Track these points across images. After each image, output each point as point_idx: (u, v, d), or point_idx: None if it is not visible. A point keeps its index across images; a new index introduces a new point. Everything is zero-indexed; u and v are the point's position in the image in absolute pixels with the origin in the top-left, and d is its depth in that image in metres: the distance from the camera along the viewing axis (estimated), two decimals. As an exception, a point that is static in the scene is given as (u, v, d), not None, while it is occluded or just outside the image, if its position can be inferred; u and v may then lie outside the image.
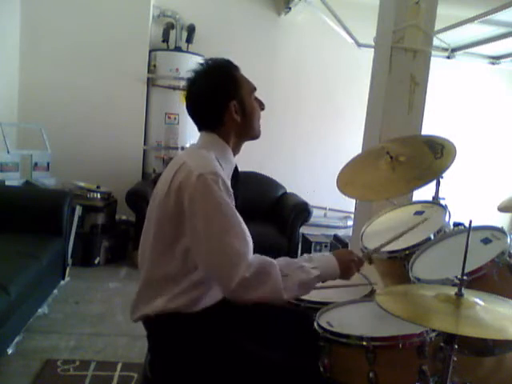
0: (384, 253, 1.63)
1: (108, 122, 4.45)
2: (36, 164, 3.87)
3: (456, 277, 1.12)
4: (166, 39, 4.50)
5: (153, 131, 4.54)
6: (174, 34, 4.53)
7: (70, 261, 3.38)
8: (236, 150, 1.48)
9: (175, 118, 4.43)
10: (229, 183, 1.40)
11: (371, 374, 1.21)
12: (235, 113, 1.40)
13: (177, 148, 4.47)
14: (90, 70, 4.38)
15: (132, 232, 4.17)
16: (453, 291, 1.11)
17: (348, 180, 1.90)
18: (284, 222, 4.08)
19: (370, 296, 1.60)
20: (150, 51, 4.47)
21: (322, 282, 1.36)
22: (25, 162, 3.80)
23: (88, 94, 4.40)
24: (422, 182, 1.68)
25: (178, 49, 4.50)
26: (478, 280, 1.30)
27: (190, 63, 4.39)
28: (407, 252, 1.57)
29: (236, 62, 1.47)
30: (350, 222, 4.97)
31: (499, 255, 1.34)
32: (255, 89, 1.48)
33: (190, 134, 4.48)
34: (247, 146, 1.52)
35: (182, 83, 4.37)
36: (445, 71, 4.66)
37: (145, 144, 4.56)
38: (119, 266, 3.95)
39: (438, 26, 2.80)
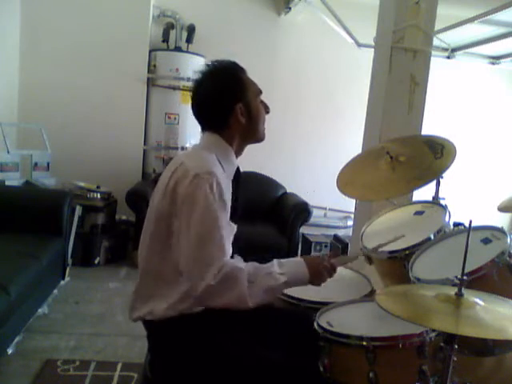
0: (384, 253, 1.64)
1: (108, 122, 4.45)
2: (36, 164, 3.87)
3: (456, 277, 1.12)
4: (166, 39, 4.50)
5: (153, 131, 4.54)
6: (174, 34, 4.53)
7: (69, 261, 3.38)
8: (239, 152, 1.49)
9: (175, 118, 4.43)
10: (229, 184, 1.41)
11: (371, 374, 1.21)
12: (241, 115, 1.41)
13: (177, 148, 4.46)
14: (90, 70, 4.38)
15: (132, 232, 4.17)
16: (453, 291, 1.11)
17: (348, 180, 1.90)
18: (284, 222, 4.08)
19: (369, 296, 1.60)
20: (150, 51, 4.47)
21: (291, 287, 1.36)
22: (25, 162, 3.80)
23: (88, 94, 4.40)
24: (422, 181, 1.68)
25: (177, 49, 4.50)
26: (478, 280, 1.30)
27: (190, 63, 4.41)
28: (407, 252, 1.57)
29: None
30: (350, 222, 4.97)
31: (499, 255, 1.34)
32: (261, 92, 1.49)
33: (190, 134, 4.48)
34: (247, 146, 1.52)
35: (182, 83, 4.38)
36: (445, 71, 4.66)
37: (145, 144, 4.56)
38: (119, 266, 3.95)
39: (438, 26, 2.80)
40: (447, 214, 1.69)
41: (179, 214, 1.29)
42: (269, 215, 4.34)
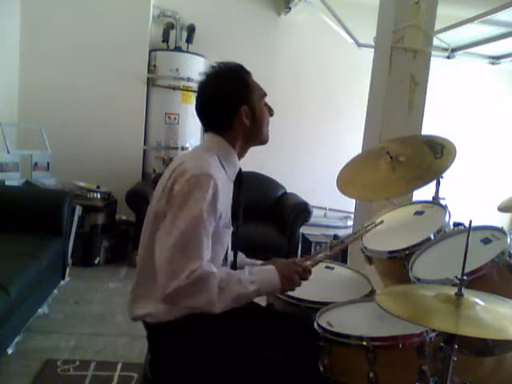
0: (384, 253, 1.64)
1: (108, 122, 4.45)
2: (36, 164, 3.87)
3: (456, 277, 1.12)
4: (166, 39, 4.50)
5: (153, 131, 4.54)
6: (174, 34, 4.53)
7: (70, 261, 3.38)
8: (241, 154, 1.49)
9: (175, 118, 4.43)
10: (230, 186, 1.42)
11: (371, 374, 1.21)
12: (245, 117, 1.41)
13: (177, 148, 4.46)
14: (90, 70, 4.38)
15: (132, 232, 4.16)
16: (453, 291, 1.11)
17: (348, 180, 1.90)
18: (284, 222, 4.08)
19: (369, 296, 1.60)
20: (150, 51, 4.47)
21: (263, 295, 1.36)
22: (25, 162, 3.80)
23: (88, 94, 4.40)
24: (422, 181, 1.68)
25: (177, 49, 4.50)
26: (478, 280, 1.30)
27: (190, 63, 4.40)
28: (407, 252, 1.57)
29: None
30: (350, 222, 4.97)
31: (499, 255, 1.34)
32: (265, 94, 1.49)
33: (190, 134, 4.48)
34: (248, 147, 1.52)
35: (182, 83, 4.38)
36: (445, 71, 4.66)
37: (145, 144, 4.56)
38: (119, 266, 3.95)
39: (438, 26, 2.80)
40: (447, 214, 1.69)
41: (168, 210, 1.30)
42: (269, 215, 4.34)
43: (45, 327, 2.71)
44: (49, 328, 2.71)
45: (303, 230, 4.34)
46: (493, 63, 4.67)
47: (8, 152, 3.59)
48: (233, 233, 1.50)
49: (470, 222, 1.17)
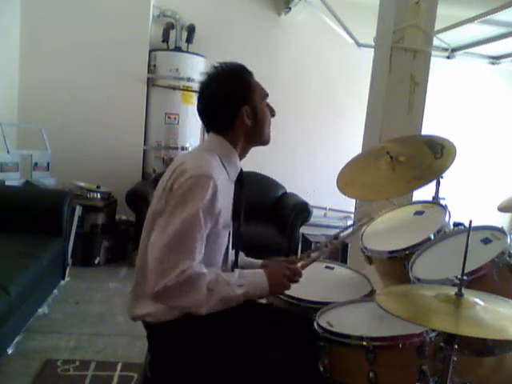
0: (384, 253, 1.64)
1: (108, 122, 4.45)
2: (36, 164, 3.87)
3: (456, 277, 1.12)
4: (166, 39, 4.50)
5: (153, 131, 4.54)
6: (174, 34, 4.53)
7: (70, 261, 3.38)
8: (243, 155, 1.49)
9: (175, 118, 4.43)
10: (231, 186, 1.42)
11: (371, 374, 1.21)
12: (247, 117, 1.41)
13: (177, 148, 4.46)
14: (90, 70, 4.38)
15: (132, 232, 4.16)
16: (453, 291, 1.11)
17: (348, 180, 1.90)
18: (284, 222, 4.08)
19: (369, 296, 1.60)
20: (150, 51, 4.47)
21: (252, 298, 1.36)
22: (25, 162, 3.80)
23: (88, 94, 4.40)
24: (422, 182, 1.68)
25: (178, 49, 4.50)
26: (478, 280, 1.30)
27: (190, 63, 4.40)
28: (407, 252, 1.57)
29: (236, 63, 1.48)
30: (350, 222, 4.97)
31: (499, 255, 1.34)
32: (267, 95, 1.49)
33: (190, 134, 4.48)
34: (249, 147, 1.52)
35: (182, 83, 4.38)
36: (445, 71, 4.66)
37: (145, 144, 4.56)
38: (119, 266, 3.95)
39: (438, 26, 2.80)
40: (447, 214, 1.69)
41: (166, 208, 1.30)
42: (269, 215, 4.34)
43: (45, 327, 2.71)
44: (49, 328, 2.71)
45: (303, 229, 4.34)
46: (493, 63, 4.67)
47: (8, 152, 3.59)
48: (234, 233, 1.50)
49: (470, 222, 1.17)
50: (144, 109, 4.50)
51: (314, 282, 1.76)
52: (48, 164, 4.01)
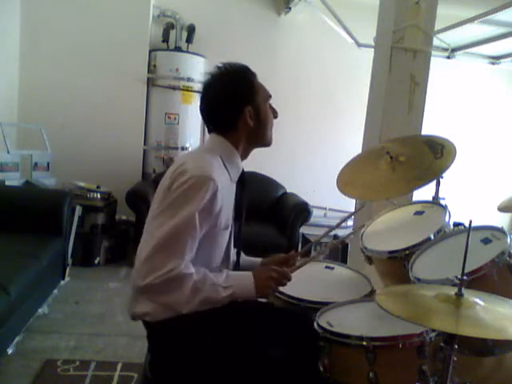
0: (384, 253, 1.64)
1: (108, 122, 4.45)
2: (36, 164, 3.87)
3: (456, 277, 1.12)
4: (166, 39, 4.50)
5: (153, 131, 4.54)
6: (174, 34, 4.53)
7: (70, 261, 3.38)
8: (244, 156, 1.49)
9: (175, 118, 4.43)
10: (232, 187, 1.42)
11: (371, 374, 1.21)
12: (249, 118, 1.41)
13: (177, 148, 4.46)
14: (90, 70, 4.38)
15: (132, 232, 4.17)
16: (453, 291, 1.11)
17: (348, 180, 1.90)
18: (284, 222, 4.08)
19: (369, 296, 1.60)
20: (150, 51, 4.47)
21: (238, 299, 1.36)
22: (25, 162, 3.80)
23: (88, 94, 4.40)
24: (422, 182, 1.68)
25: (178, 49, 4.50)
26: (478, 280, 1.30)
27: (190, 63, 4.40)
28: (407, 252, 1.57)
29: (236, 62, 1.48)
30: (350, 222, 4.95)
31: (499, 255, 1.34)
32: (270, 96, 1.49)
33: (190, 134, 4.48)
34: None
35: (182, 83, 4.38)
36: (445, 71, 4.66)
37: (145, 144, 4.56)
38: (119, 266, 3.95)
39: (438, 26, 2.80)
40: (447, 214, 1.69)
41: (163, 206, 1.30)
42: (269, 215, 4.34)
43: (45, 327, 2.71)
44: (49, 328, 2.71)
45: (303, 229, 4.34)
46: (493, 63, 4.67)
47: (8, 152, 3.59)
48: (235, 233, 1.50)
49: (470, 222, 1.17)
50: (144, 109, 4.50)
51: (314, 282, 1.76)
52: (48, 164, 4.01)
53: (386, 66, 2.66)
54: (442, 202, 1.80)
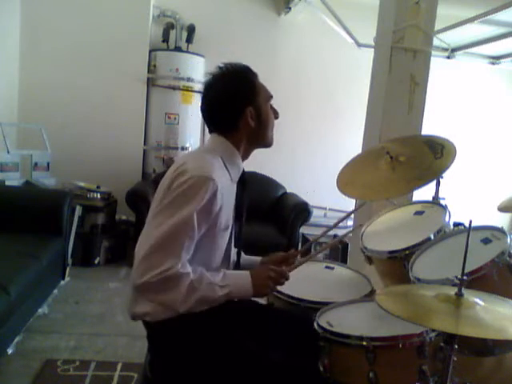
0: (384, 253, 1.64)
1: (108, 122, 4.45)
2: (36, 164, 3.87)
3: (456, 277, 1.12)
4: (166, 39, 4.50)
5: (153, 131, 4.54)
6: (174, 34, 4.53)
7: (70, 261, 3.38)
8: (245, 156, 1.49)
9: (175, 118, 4.43)
10: (233, 187, 1.42)
11: (371, 374, 1.21)
12: (250, 118, 1.41)
13: (177, 148, 4.46)
14: (90, 70, 4.38)
15: (132, 232, 4.16)
16: (453, 291, 1.11)
17: (348, 180, 1.90)
18: (284, 222, 4.08)
19: (369, 296, 1.60)
20: (150, 51, 4.47)
21: (236, 299, 1.36)
22: (25, 162, 3.80)
23: (88, 94, 4.40)
24: (422, 182, 1.68)
25: (178, 49, 4.50)
26: (478, 280, 1.30)
27: (190, 63, 4.40)
28: (407, 252, 1.57)
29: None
30: (350, 222, 4.95)
31: (499, 255, 1.34)
32: (272, 97, 1.49)
33: (190, 134, 4.48)
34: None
35: (182, 83, 4.38)
36: (445, 71, 4.66)
37: (145, 144, 4.56)
38: (119, 266, 3.95)
39: (438, 26, 2.80)
40: (447, 214, 1.69)
41: (162, 205, 1.30)
42: (269, 215, 4.34)
43: (45, 327, 2.71)
44: (49, 328, 2.71)
45: (303, 229, 4.34)
46: (493, 63, 4.68)
47: (8, 152, 3.59)
48: (236, 233, 1.50)
49: (470, 222, 1.17)
50: (144, 109, 4.50)
51: (314, 282, 1.76)
52: (48, 164, 4.01)
53: (386, 66, 2.66)
54: (442, 202, 1.81)
